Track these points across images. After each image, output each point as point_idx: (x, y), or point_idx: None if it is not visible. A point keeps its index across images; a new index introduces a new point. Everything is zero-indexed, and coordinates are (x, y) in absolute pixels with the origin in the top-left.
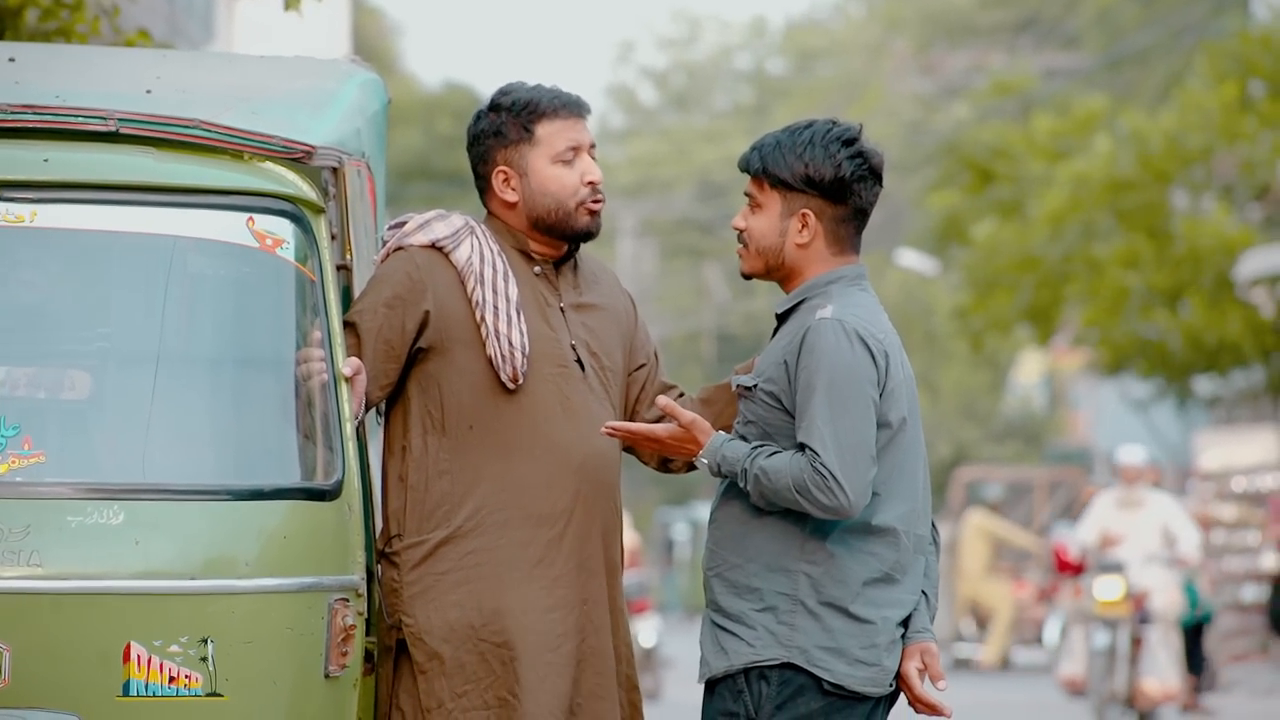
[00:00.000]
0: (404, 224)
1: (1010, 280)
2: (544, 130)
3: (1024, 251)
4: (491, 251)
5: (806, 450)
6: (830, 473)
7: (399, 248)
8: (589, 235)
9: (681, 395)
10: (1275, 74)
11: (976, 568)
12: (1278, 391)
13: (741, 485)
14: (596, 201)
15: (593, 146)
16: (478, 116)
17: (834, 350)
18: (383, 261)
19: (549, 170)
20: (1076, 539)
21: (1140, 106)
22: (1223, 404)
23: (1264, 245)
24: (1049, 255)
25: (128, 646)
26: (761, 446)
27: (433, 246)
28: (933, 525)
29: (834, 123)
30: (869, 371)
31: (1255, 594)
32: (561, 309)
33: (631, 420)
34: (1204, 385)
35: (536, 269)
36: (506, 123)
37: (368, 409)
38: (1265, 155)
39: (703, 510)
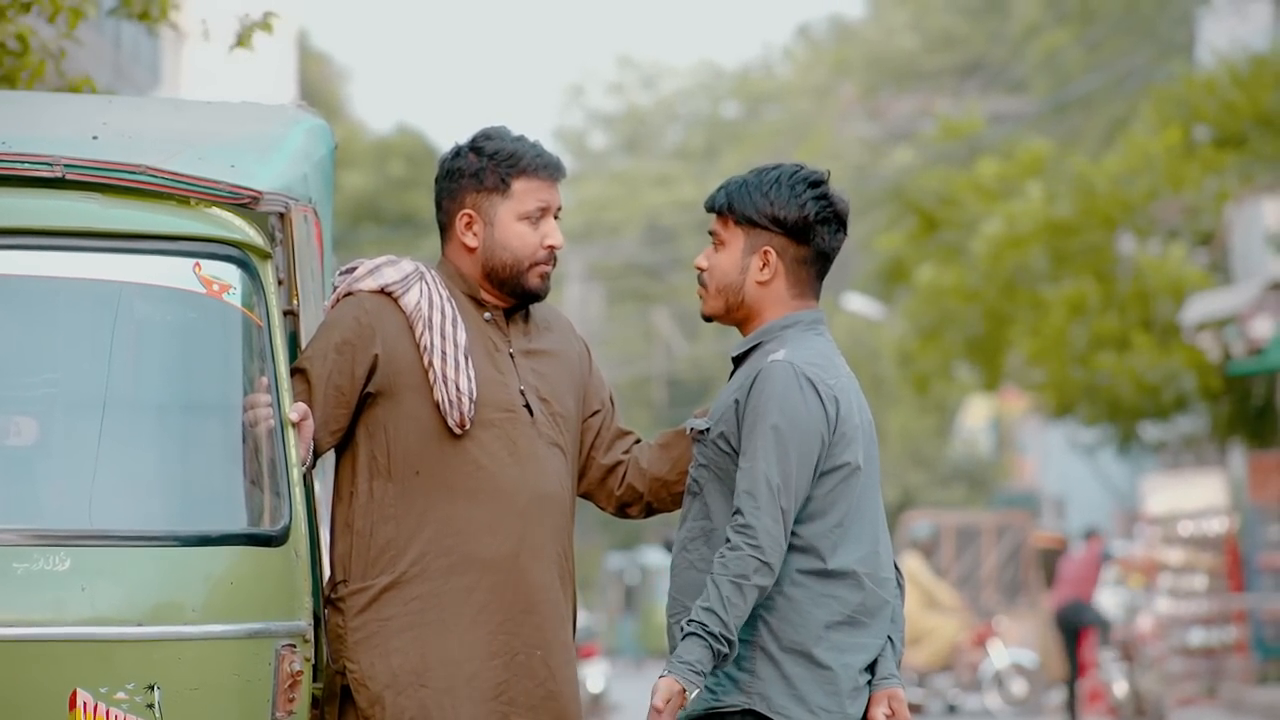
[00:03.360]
0: (354, 269)
1: (953, 314)
2: (520, 186)
3: (965, 287)
4: (440, 297)
5: (732, 523)
6: (738, 539)
7: (348, 293)
8: (536, 296)
9: (638, 441)
10: (1219, 119)
11: (911, 609)
12: (1224, 436)
13: (719, 643)
14: (549, 264)
15: (559, 210)
16: (456, 153)
17: (783, 394)
18: (332, 307)
19: (514, 226)
20: None
21: (1085, 151)
22: (1169, 448)
23: (1210, 289)
24: (989, 290)
25: (74, 694)
26: (683, 622)
27: (382, 291)
28: (896, 569)
29: (801, 166)
30: (817, 417)
31: (1202, 638)
32: (511, 354)
33: (586, 465)
34: (1150, 430)
35: (486, 315)
36: (486, 169)
37: (319, 455)
38: (1209, 200)
39: (649, 555)
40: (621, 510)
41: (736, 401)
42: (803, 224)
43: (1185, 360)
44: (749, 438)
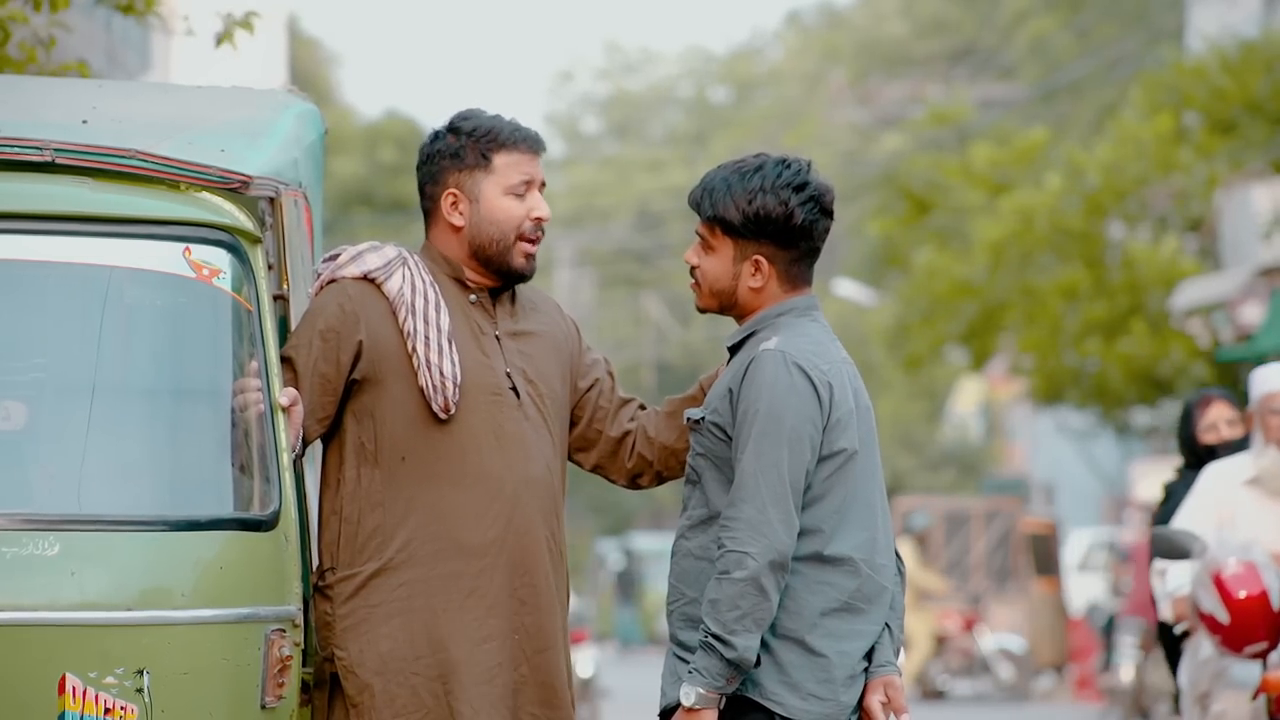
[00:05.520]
0: (337, 256)
1: (948, 305)
2: (501, 160)
3: (962, 279)
4: (423, 282)
5: (717, 541)
6: (741, 535)
7: (332, 280)
8: (522, 276)
9: (643, 407)
10: (1209, 105)
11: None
12: None
13: (720, 644)
14: (535, 239)
15: (543, 185)
16: (435, 136)
17: (773, 383)
18: (316, 294)
19: (500, 201)
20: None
21: (1075, 137)
22: (1159, 434)
23: (1199, 276)
24: (988, 285)
25: (63, 678)
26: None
27: (365, 278)
28: (897, 555)
29: (784, 164)
30: (809, 404)
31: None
32: (496, 337)
33: (595, 439)
34: (1141, 416)
35: (472, 297)
36: (465, 147)
37: (307, 443)
38: (1199, 186)
39: (638, 540)
40: (633, 481)
41: (730, 390)
42: (792, 231)
43: (1180, 347)
44: (741, 428)
